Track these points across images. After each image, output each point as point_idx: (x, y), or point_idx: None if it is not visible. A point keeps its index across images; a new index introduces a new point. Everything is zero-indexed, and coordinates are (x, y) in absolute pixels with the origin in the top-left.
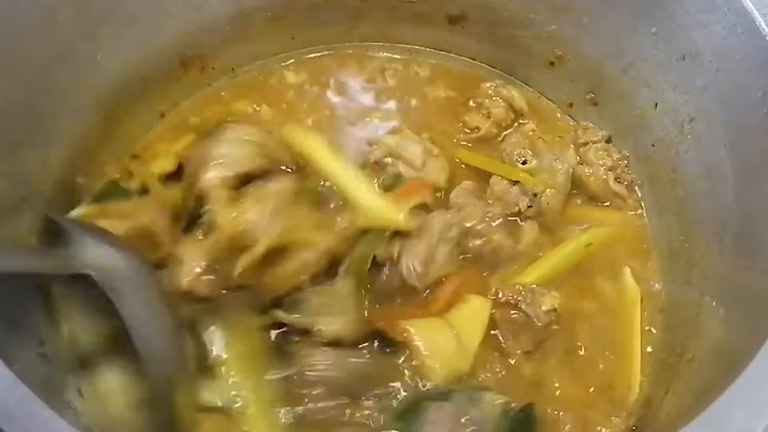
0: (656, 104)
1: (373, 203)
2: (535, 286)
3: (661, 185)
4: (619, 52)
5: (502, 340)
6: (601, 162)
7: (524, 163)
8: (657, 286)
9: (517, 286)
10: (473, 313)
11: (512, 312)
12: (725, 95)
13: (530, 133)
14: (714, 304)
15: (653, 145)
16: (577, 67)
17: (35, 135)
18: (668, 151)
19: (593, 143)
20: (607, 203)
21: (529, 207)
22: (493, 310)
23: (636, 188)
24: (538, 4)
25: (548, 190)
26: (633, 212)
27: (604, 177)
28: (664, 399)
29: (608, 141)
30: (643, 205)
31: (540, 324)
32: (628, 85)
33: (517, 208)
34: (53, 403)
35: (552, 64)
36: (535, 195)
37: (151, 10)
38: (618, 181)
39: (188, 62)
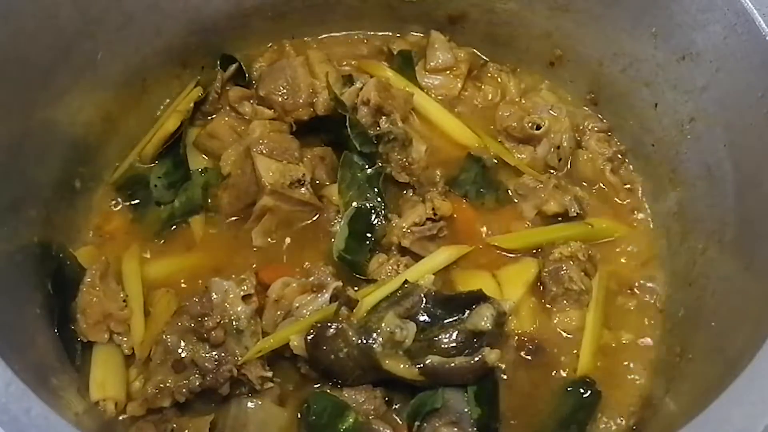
0: (656, 104)
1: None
2: (581, 255)
3: (661, 185)
4: (619, 52)
5: (543, 297)
6: (600, 151)
7: (538, 128)
8: (657, 286)
9: (565, 253)
10: (520, 271)
11: (557, 273)
12: (725, 95)
13: (517, 99)
14: (714, 304)
15: (653, 145)
16: (577, 67)
17: (35, 135)
18: (668, 151)
19: (595, 132)
20: (600, 188)
21: (559, 161)
22: (544, 271)
23: (637, 188)
24: (537, 5)
25: (564, 136)
26: (633, 213)
27: (602, 167)
28: (664, 399)
29: (608, 132)
30: (643, 205)
31: (576, 288)
32: (628, 85)
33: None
34: (51, 401)
35: (552, 64)
36: (558, 147)
37: (151, 10)
38: (614, 173)
39: (188, 62)
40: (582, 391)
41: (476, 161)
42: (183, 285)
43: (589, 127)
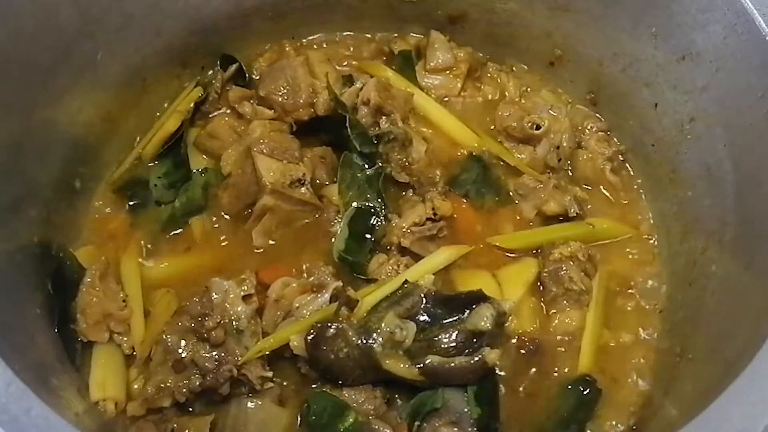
0: (656, 104)
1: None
2: (581, 255)
3: (661, 185)
4: (619, 52)
5: (543, 297)
6: (600, 151)
7: (538, 128)
8: (657, 286)
9: (565, 253)
10: (520, 271)
11: (557, 274)
12: (725, 95)
13: (517, 99)
14: (714, 304)
15: (653, 145)
16: (577, 67)
17: (35, 135)
18: (668, 151)
19: (595, 132)
20: (600, 188)
21: (559, 161)
22: (544, 271)
23: (637, 188)
24: (537, 5)
25: (563, 136)
26: (633, 213)
27: (602, 166)
28: (664, 399)
29: (608, 132)
30: (643, 204)
31: (576, 288)
32: (628, 85)
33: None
34: (51, 401)
35: (552, 64)
36: (558, 148)
37: (151, 10)
38: (614, 173)
39: (188, 62)
40: (582, 388)
41: (477, 161)
42: (183, 285)
43: (589, 127)
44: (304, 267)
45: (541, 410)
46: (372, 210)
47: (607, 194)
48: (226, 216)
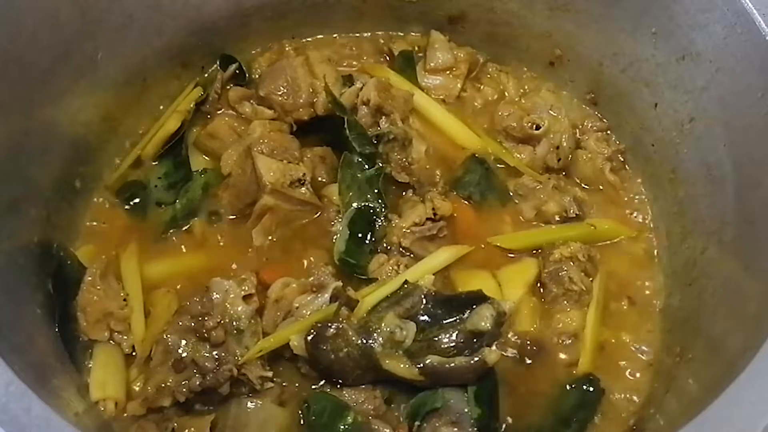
0: (656, 104)
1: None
2: (581, 255)
3: (661, 185)
4: (619, 52)
5: (543, 298)
6: (600, 151)
7: (538, 128)
8: (657, 286)
9: (565, 254)
10: (520, 271)
11: (557, 274)
12: (725, 95)
13: (517, 99)
14: (714, 304)
15: (653, 145)
16: (577, 67)
17: (35, 135)
18: (668, 151)
19: (594, 132)
20: (600, 188)
21: (558, 161)
22: (544, 271)
23: (636, 188)
24: (537, 4)
25: (563, 136)
26: (633, 213)
27: (601, 166)
28: (664, 399)
29: (607, 131)
30: (643, 205)
31: (577, 289)
32: (628, 85)
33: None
34: (51, 401)
35: (552, 64)
36: (557, 148)
37: (151, 10)
38: (613, 173)
39: (188, 62)
40: (585, 387)
41: (479, 163)
42: (183, 285)
43: (589, 127)
44: (304, 267)
45: (541, 410)
46: (372, 210)
47: (607, 194)
48: (226, 216)
